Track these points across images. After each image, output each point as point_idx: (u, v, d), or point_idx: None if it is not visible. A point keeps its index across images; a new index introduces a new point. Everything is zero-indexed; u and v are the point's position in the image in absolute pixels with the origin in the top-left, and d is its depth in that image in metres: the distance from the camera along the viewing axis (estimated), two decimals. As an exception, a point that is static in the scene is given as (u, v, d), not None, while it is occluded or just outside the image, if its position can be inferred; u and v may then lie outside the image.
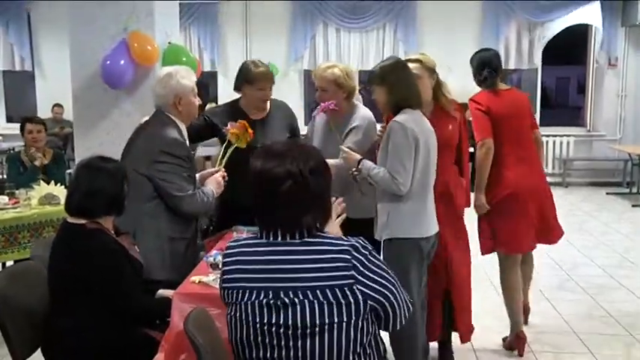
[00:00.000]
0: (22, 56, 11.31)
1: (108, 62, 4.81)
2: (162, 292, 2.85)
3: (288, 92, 10.59)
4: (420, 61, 3.41)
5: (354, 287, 1.76)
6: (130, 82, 4.93)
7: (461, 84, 10.71)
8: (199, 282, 2.67)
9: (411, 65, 3.26)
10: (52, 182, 4.71)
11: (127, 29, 4.90)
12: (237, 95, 3.87)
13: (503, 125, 3.76)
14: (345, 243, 1.81)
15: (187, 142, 3.21)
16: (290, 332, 1.77)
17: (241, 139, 3.35)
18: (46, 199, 4.54)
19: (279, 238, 1.83)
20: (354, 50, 10.64)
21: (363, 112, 3.65)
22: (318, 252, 1.79)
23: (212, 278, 2.66)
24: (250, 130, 3.39)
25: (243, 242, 1.92)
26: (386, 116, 3.28)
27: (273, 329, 1.78)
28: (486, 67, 3.85)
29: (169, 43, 5.15)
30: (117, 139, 5.05)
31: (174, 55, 5.08)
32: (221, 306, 2.45)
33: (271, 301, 1.78)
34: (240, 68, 3.77)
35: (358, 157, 3.20)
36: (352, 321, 1.77)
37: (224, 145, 3.39)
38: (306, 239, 1.81)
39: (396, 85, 3.06)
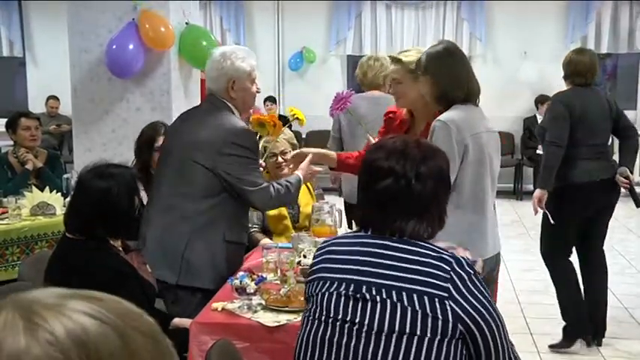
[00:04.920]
0: (10, 39, 11.51)
1: (114, 47, 4.92)
2: (177, 321, 2.92)
3: (327, 82, 10.62)
4: (399, 61, 3.26)
5: (446, 302, 1.84)
6: (139, 71, 5.03)
7: (539, 71, 10.51)
8: (222, 309, 2.72)
9: (390, 68, 3.34)
10: (47, 189, 4.79)
11: (136, 8, 5.01)
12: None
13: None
14: (449, 254, 1.92)
15: None
16: (364, 332, 1.86)
17: (267, 129, 3.62)
18: (39, 209, 4.63)
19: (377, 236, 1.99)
20: (408, 31, 10.63)
21: None
22: (416, 253, 1.91)
23: (237, 305, 2.71)
24: (278, 123, 3.62)
25: (338, 235, 2.13)
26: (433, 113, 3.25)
27: (346, 326, 1.89)
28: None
29: (187, 23, 5.24)
30: (124, 138, 5.17)
31: (193, 38, 5.18)
32: (249, 339, 2.52)
33: (350, 294, 1.90)
34: None
35: None
36: (436, 340, 1.83)
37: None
38: (407, 239, 1.95)
39: (440, 75, 3.01)
